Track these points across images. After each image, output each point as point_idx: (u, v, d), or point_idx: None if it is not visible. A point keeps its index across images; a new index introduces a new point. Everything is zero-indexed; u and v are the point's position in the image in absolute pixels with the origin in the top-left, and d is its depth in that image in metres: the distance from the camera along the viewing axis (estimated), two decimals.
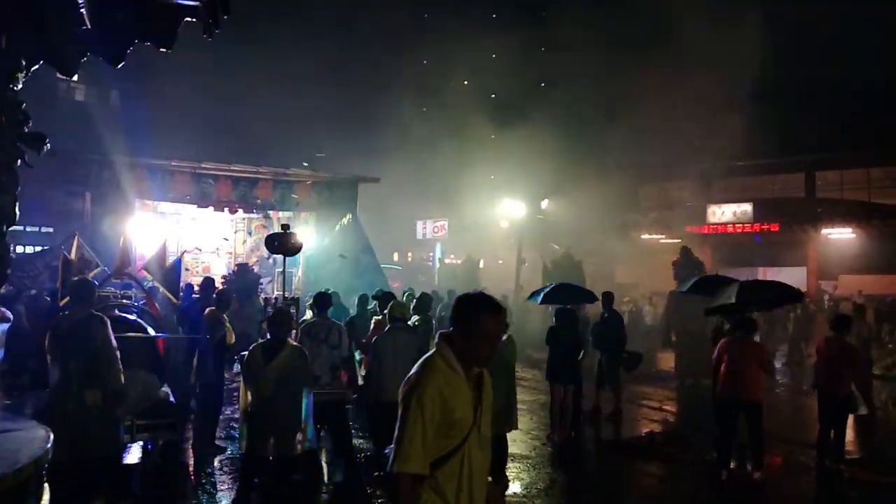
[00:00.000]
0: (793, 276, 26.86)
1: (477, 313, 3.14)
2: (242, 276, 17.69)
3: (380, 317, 9.36)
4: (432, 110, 34.10)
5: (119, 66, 3.42)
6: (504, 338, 7.96)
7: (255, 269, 19.77)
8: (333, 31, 34.65)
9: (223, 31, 3.62)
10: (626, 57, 27.73)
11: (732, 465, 8.50)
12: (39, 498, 4.15)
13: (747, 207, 30.95)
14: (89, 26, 3.08)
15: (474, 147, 32.77)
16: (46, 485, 4.36)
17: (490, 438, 3.30)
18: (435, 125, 32.03)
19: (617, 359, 11.61)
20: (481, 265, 29.40)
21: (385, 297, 10.21)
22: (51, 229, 25.68)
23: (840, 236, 28.97)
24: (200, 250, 21.08)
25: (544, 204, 30.64)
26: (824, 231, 29.25)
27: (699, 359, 13.77)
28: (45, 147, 3.65)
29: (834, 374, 8.41)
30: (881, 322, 19.49)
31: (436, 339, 3.27)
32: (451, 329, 3.20)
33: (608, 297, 12.08)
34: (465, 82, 35.24)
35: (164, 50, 3.46)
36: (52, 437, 4.39)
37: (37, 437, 4.41)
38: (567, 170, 29.27)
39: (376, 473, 7.68)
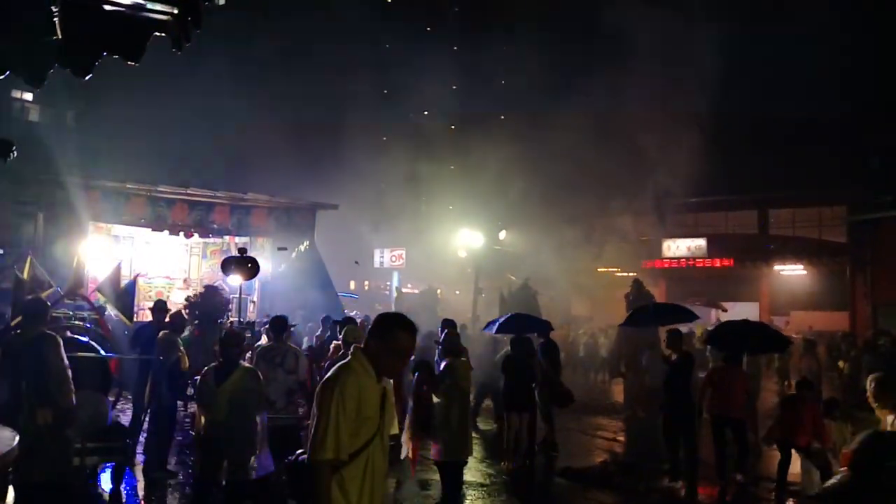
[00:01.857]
0: (746, 312, 27.41)
1: (394, 328, 3.48)
2: (209, 300, 15.19)
3: (339, 341, 9.33)
4: (392, 140, 34.31)
5: (87, 77, 3.42)
6: (458, 362, 7.98)
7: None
8: (295, 56, 34.73)
9: (183, 54, 3.67)
10: (582, 92, 28.30)
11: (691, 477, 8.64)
12: (3, 497, 4.10)
13: (702, 243, 31.62)
14: (60, 36, 3.07)
15: (433, 177, 33.00)
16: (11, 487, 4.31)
17: (388, 448, 3.58)
18: (394, 154, 32.19)
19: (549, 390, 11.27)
20: (439, 295, 29.45)
21: (345, 322, 10.21)
22: (0, 251, 24.97)
23: (792, 273, 29.72)
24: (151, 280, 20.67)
25: (502, 235, 30.88)
26: (776, 267, 29.99)
27: (648, 389, 14.03)
28: (11, 154, 3.60)
29: (797, 424, 8.66)
30: (833, 358, 19.87)
31: (350, 350, 3.57)
32: (368, 341, 3.52)
33: (545, 327, 12.09)
34: (426, 112, 35.60)
35: (131, 63, 3.47)
36: (17, 437, 4.44)
37: (3, 437, 4.50)
38: (525, 202, 29.63)
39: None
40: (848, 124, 27.93)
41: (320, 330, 13.06)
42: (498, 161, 28.32)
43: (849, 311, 27.30)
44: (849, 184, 27.55)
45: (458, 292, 35.56)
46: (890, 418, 5.22)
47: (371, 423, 3.37)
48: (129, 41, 3.37)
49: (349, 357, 3.50)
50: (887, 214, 25.29)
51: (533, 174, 28.92)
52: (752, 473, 9.61)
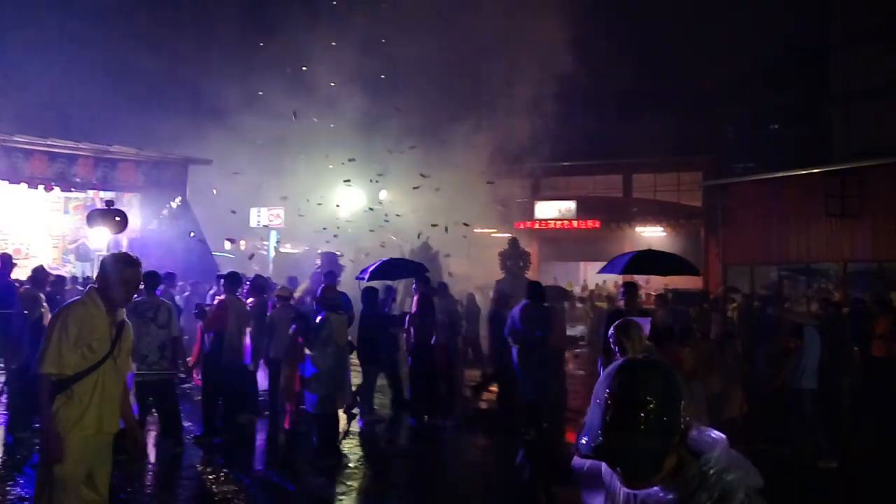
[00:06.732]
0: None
1: (117, 264, 4.10)
2: None
3: (222, 297, 9.19)
4: (270, 95, 33.44)
5: None
6: (334, 316, 8.10)
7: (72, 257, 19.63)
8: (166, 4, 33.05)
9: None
10: (462, 58, 28.56)
11: None
12: None
13: (571, 205, 32.88)
14: None
15: (314, 134, 32.48)
16: None
17: (127, 371, 4.29)
18: (272, 110, 31.42)
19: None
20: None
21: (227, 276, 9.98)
22: None
23: (652, 234, 31.50)
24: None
25: (382, 195, 30.93)
26: (638, 229, 31.67)
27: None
28: None
29: None
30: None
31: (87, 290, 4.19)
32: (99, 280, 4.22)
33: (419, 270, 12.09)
34: (304, 68, 34.86)
35: None
36: None
37: None
38: (403, 162, 29.72)
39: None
40: (706, 96, 29.78)
41: (214, 288, 12.44)
42: (377, 120, 28.29)
43: (702, 270, 29.29)
44: (705, 151, 29.50)
45: (340, 253, 35.31)
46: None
47: (100, 349, 3.95)
48: None
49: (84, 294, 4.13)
50: (737, 180, 27.19)
51: (410, 134, 29.05)
52: None
